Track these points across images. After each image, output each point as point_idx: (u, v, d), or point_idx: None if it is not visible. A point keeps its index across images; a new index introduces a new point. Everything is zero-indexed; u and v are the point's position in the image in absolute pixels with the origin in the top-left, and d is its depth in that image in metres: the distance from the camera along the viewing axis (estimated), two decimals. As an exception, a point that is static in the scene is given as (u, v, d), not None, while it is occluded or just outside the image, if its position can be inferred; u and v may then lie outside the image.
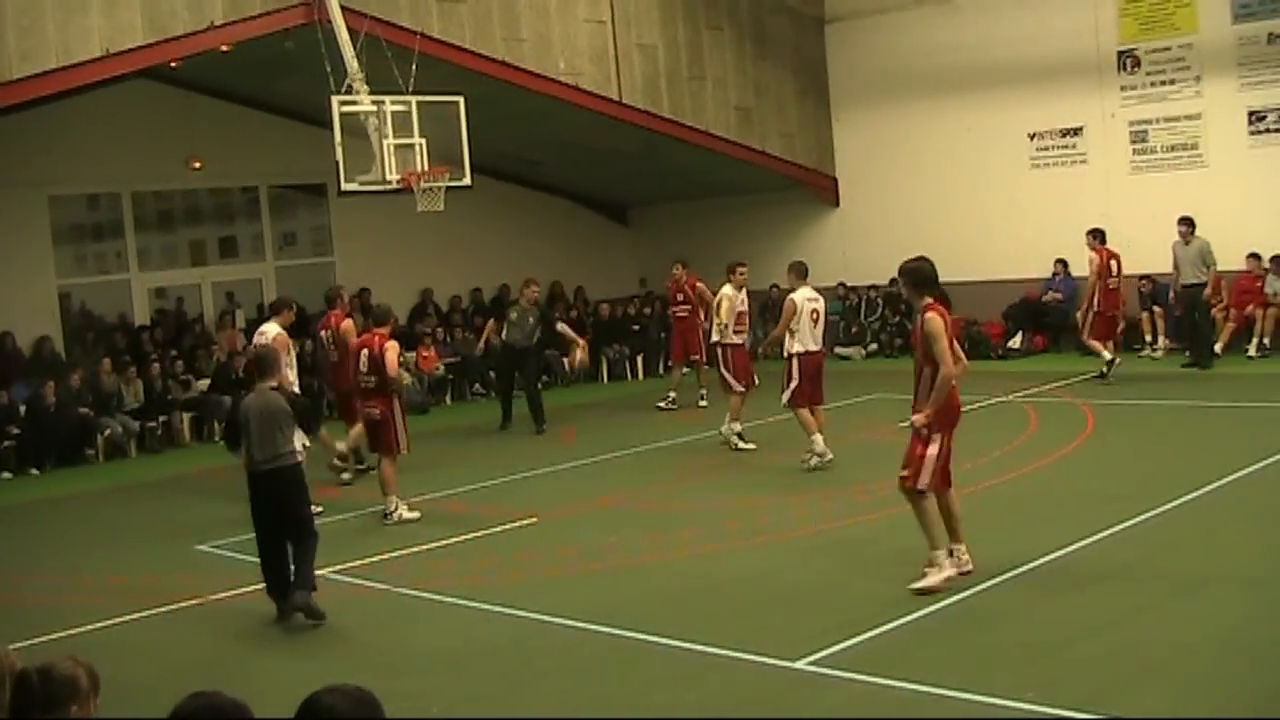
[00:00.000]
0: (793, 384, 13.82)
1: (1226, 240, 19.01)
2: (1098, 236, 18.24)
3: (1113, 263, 18.10)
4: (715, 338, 15.71)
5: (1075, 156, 21.36)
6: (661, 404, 18.80)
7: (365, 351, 12.97)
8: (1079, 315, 18.43)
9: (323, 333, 15.66)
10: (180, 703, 3.73)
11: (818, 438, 13.73)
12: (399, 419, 12.83)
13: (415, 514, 12.75)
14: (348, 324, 15.05)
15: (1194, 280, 18.46)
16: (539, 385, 18.76)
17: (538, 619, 9.06)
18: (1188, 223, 18.45)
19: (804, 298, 13.87)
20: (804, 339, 13.77)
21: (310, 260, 23.85)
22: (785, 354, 13.94)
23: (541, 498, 13.34)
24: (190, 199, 23.19)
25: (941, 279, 9.25)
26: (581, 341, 19.56)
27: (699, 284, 18.82)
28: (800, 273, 14.20)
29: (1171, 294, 19.22)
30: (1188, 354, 19.05)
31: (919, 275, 9.29)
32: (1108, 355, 17.77)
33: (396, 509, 12.68)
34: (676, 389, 18.88)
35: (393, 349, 12.91)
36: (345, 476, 14.79)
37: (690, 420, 17.52)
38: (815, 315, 13.88)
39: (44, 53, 15.24)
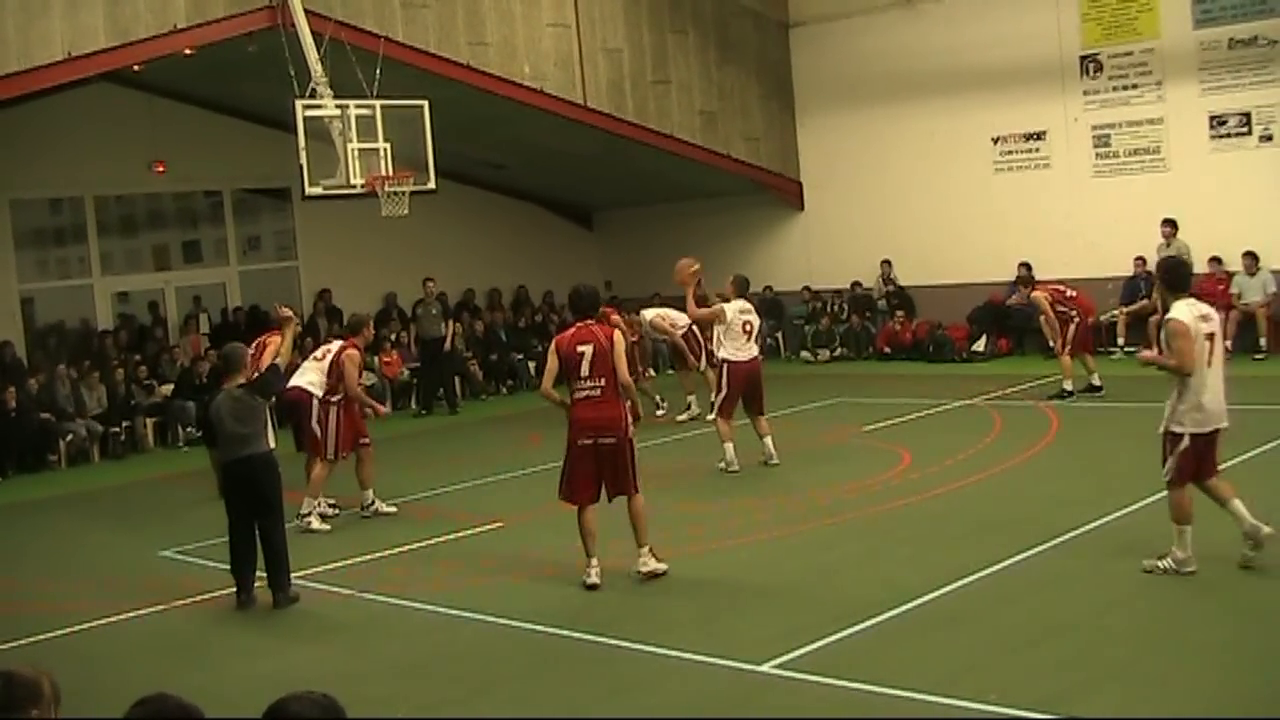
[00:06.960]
0: (721, 394, 13.95)
1: (1188, 244, 19.15)
2: None
3: None
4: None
5: (1038, 160, 21.48)
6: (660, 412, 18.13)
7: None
8: None
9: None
10: (127, 712, 3.68)
11: (729, 446, 13.82)
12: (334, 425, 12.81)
13: (326, 527, 12.64)
14: None
15: None
16: (451, 380, 21.30)
17: (503, 624, 9.05)
18: (1171, 224, 18.65)
19: (736, 309, 14.06)
20: (733, 348, 13.90)
21: (274, 264, 23.82)
22: (716, 359, 13.97)
23: (507, 502, 13.30)
24: (153, 203, 23.11)
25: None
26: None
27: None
28: (740, 286, 14.41)
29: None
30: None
31: (572, 300, 10.14)
32: None
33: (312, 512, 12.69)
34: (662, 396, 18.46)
35: (348, 359, 12.85)
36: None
37: (654, 426, 17.51)
38: (747, 327, 14.02)
39: (4, 55, 15.13)
